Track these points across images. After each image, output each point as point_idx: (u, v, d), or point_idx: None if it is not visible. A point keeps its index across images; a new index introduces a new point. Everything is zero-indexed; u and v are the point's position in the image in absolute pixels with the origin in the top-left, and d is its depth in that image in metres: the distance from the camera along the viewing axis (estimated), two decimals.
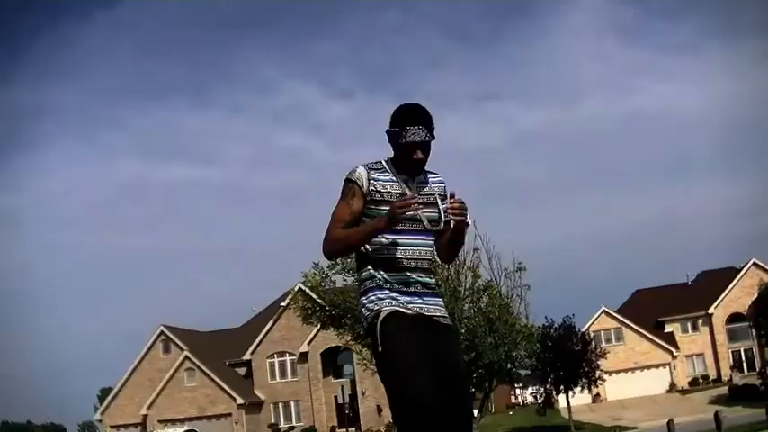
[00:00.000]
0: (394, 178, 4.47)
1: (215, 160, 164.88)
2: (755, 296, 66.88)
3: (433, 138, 4.42)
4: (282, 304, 62.13)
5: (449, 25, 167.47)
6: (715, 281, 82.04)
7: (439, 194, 4.53)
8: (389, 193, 4.43)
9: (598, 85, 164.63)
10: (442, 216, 4.44)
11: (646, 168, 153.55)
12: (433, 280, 4.58)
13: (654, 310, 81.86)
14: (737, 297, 78.78)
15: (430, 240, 4.51)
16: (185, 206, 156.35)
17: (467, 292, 25.97)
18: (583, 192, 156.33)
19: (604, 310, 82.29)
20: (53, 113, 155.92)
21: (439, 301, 4.53)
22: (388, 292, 4.37)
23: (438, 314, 4.46)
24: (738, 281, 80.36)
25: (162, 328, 75.52)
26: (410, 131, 4.36)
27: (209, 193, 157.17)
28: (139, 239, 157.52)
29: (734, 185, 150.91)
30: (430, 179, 4.57)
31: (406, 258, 4.42)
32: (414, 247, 4.44)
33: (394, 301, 4.35)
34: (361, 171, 4.45)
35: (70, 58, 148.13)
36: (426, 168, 4.56)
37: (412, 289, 4.42)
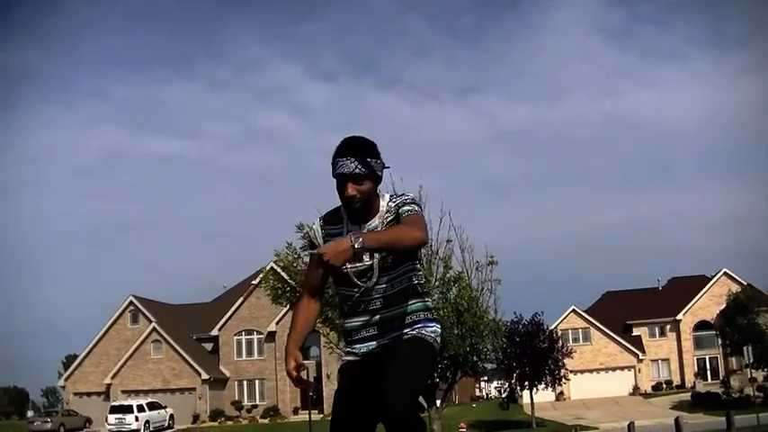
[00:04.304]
0: (341, 230, 4.20)
1: (195, 135, 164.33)
2: (724, 305, 67.32)
3: (369, 171, 4.06)
4: (253, 282, 61.98)
5: (436, 16, 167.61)
6: (685, 288, 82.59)
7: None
8: None
9: (581, 86, 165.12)
10: (376, 270, 4.14)
11: (624, 172, 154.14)
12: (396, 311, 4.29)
13: (623, 312, 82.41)
14: (706, 305, 79.36)
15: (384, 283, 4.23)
16: (163, 179, 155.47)
17: (437, 283, 26.00)
18: (560, 191, 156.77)
19: (574, 310, 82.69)
20: (35, 79, 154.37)
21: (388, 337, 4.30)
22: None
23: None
24: (708, 289, 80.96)
25: (131, 298, 75.33)
26: (339, 163, 4.04)
27: (188, 168, 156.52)
28: (115, 209, 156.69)
29: (711, 195, 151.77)
30: (387, 216, 4.20)
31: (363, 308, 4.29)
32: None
33: None
34: (316, 227, 4.28)
35: (55, 25, 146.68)
36: (396, 196, 4.27)
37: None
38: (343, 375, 4.36)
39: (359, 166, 4.01)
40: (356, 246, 3.76)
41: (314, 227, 4.31)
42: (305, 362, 4.22)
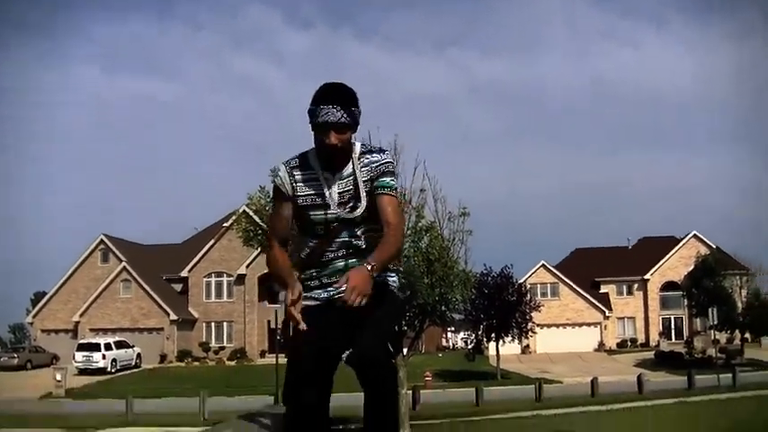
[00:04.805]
0: (315, 176, 4.15)
1: (172, 76, 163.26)
2: (692, 267, 67.97)
3: (352, 121, 4.02)
4: (225, 225, 61.99)
5: None
6: (654, 248, 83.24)
7: (362, 180, 4.15)
8: (308, 196, 4.15)
9: (562, 43, 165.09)
10: (358, 217, 4.13)
11: (601, 131, 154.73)
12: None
13: (592, 269, 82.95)
14: (674, 266, 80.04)
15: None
16: (139, 120, 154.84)
17: (409, 231, 25.99)
18: (537, 148, 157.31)
19: (543, 264, 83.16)
20: (14, 24, 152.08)
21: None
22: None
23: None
24: (677, 250, 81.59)
25: (102, 237, 75.12)
26: (323, 110, 3.95)
27: (164, 109, 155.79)
28: (90, 148, 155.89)
29: (684, 159, 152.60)
30: (359, 163, 4.17)
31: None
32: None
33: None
34: (283, 174, 4.16)
35: None
36: (371, 146, 4.25)
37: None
38: (303, 318, 4.17)
39: (344, 116, 3.96)
40: (374, 274, 3.84)
41: (280, 173, 4.19)
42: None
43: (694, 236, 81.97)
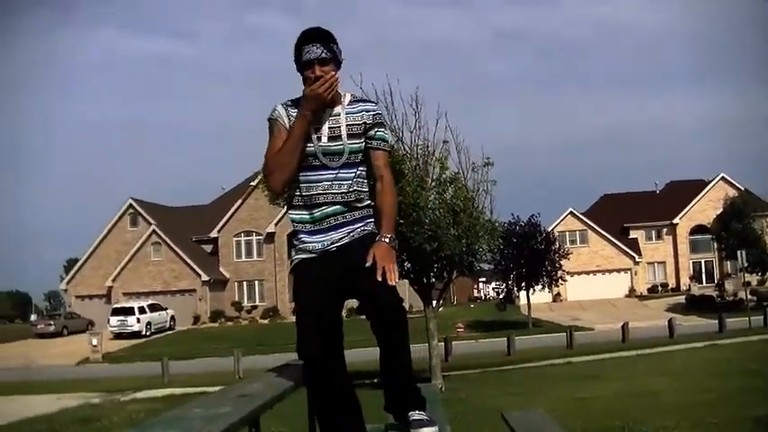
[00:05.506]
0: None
1: (191, 35, 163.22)
2: (721, 210, 67.59)
3: (333, 55, 4.23)
4: (252, 184, 62.18)
5: None
6: (683, 192, 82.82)
7: (356, 122, 4.31)
8: None
9: None
10: (346, 149, 4.25)
11: (623, 76, 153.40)
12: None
13: (620, 215, 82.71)
14: (703, 209, 79.63)
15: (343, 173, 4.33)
16: (160, 81, 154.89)
17: (433, 183, 26.05)
18: (558, 94, 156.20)
19: (571, 212, 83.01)
20: None
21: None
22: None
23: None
24: (705, 194, 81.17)
25: (130, 201, 75.55)
26: (305, 50, 4.22)
27: (185, 69, 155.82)
28: (115, 113, 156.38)
29: (710, 101, 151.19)
30: (350, 108, 4.35)
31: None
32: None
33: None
34: (280, 109, 4.32)
35: None
36: (360, 97, 4.49)
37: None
38: (301, 272, 4.36)
39: (324, 51, 4.21)
40: (394, 245, 4.18)
41: (278, 109, 4.34)
42: None
43: (722, 178, 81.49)
